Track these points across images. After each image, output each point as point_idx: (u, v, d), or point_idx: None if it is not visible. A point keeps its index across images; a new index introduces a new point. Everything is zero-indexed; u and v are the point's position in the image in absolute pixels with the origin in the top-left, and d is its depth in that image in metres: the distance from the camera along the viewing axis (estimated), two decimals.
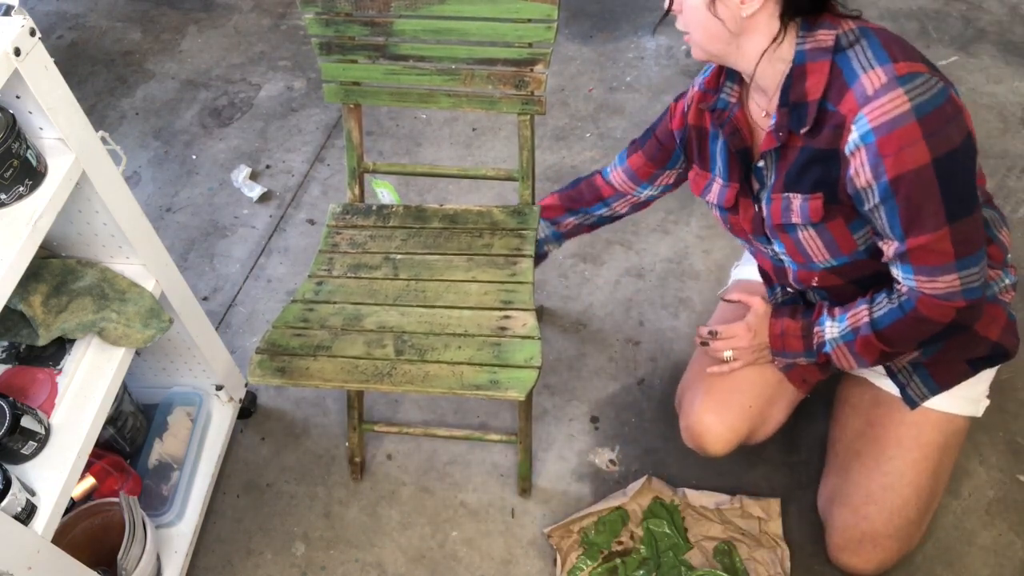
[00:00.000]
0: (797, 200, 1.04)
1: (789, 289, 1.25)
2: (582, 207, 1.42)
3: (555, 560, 1.38)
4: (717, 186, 1.19)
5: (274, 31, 2.52)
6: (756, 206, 1.13)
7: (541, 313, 1.72)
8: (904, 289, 1.01)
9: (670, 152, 1.28)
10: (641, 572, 1.34)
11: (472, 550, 1.43)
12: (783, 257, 1.15)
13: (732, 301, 1.29)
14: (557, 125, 2.15)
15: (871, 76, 0.90)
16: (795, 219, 1.06)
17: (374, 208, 1.38)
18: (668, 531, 1.38)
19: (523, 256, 1.30)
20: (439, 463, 1.54)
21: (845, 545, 1.20)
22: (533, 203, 1.38)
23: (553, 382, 1.63)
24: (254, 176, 2.11)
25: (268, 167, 2.14)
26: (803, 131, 0.98)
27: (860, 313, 1.08)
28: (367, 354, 1.16)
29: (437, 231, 1.35)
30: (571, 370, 1.65)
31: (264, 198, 2.05)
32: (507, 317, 1.20)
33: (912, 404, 1.20)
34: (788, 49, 0.97)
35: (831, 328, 1.12)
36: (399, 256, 1.31)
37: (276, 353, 1.16)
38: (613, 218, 1.45)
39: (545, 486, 1.49)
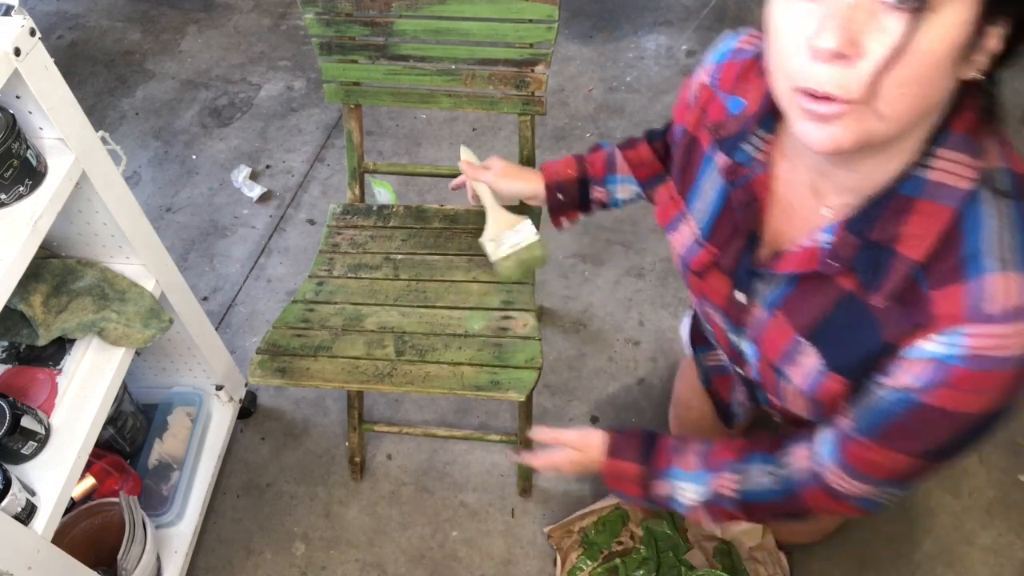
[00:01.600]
0: (811, 362, 0.77)
1: (738, 370, 0.99)
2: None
3: (555, 560, 1.38)
4: (689, 235, 0.88)
5: (274, 31, 2.52)
6: (739, 295, 0.84)
7: (541, 313, 1.72)
8: (804, 465, 0.83)
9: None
10: (641, 572, 1.34)
11: (472, 550, 1.43)
12: (751, 363, 0.90)
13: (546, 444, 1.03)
14: (557, 125, 2.15)
15: (1004, 283, 0.62)
16: (795, 378, 0.80)
17: (374, 208, 1.39)
18: (668, 531, 1.38)
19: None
20: (439, 463, 1.54)
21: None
22: (533, 209, 1.37)
23: (553, 382, 1.63)
24: (254, 176, 2.11)
25: (268, 167, 2.14)
26: (871, 292, 0.69)
27: (725, 482, 0.88)
28: (367, 354, 1.16)
29: (438, 231, 1.35)
30: (571, 370, 1.65)
31: (264, 198, 2.05)
32: (508, 317, 1.20)
33: None
34: (905, 158, 0.66)
35: (687, 489, 0.90)
36: (400, 256, 1.31)
37: (277, 353, 1.16)
38: None
39: (545, 486, 1.49)
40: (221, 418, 1.53)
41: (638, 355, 1.67)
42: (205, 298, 1.85)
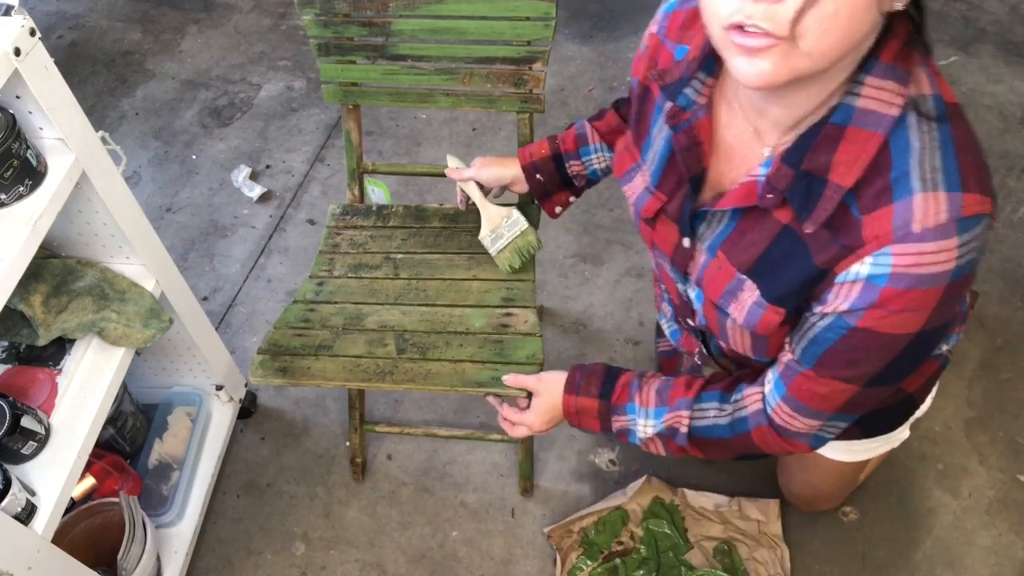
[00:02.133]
0: (749, 295, 0.80)
1: (689, 322, 1.03)
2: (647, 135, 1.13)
3: (555, 560, 1.38)
4: (640, 184, 0.91)
5: (274, 31, 2.52)
6: (685, 241, 0.86)
7: (541, 312, 1.72)
8: (755, 405, 0.86)
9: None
10: (641, 572, 1.34)
11: (472, 550, 1.43)
12: (696, 308, 0.93)
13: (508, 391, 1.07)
14: (557, 125, 2.15)
15: (929, 201, 0.64)
16: (734, 313, 0.82)
17: (374, 208, 1.39)
18: (668, 531, 1.38)
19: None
20: (439, 463, 1.54)
21: (789, 497, 1.39)
22: (532, 202, 1.37)
23: None
24: (254, 176, 2.11)
25: (268, 167, 2.14)
26: (804, 221, 0.72)
27: (680, 417, 0.91)
28: (369, 353, 1.16)
29: (437, 230, 1.35)
30: None
31: (264, 198, 2.05)
32: (508, 315, 1.20)
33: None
34: (834, 88, 0.68)
35: (644, 425, 0.94)
36: (400, 255, 1.31)
37: (278, 353, 1.16)
38: None
39: (545, 486, 1.49)
40: (221, 418, 1.53)
41: (638, 355, 1.67)
42: (205, 298, 1.85)
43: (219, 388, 1.52)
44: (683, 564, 1.34)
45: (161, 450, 1.47)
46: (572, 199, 1.21)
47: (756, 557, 1.35)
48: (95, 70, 2.48)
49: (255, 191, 2.05)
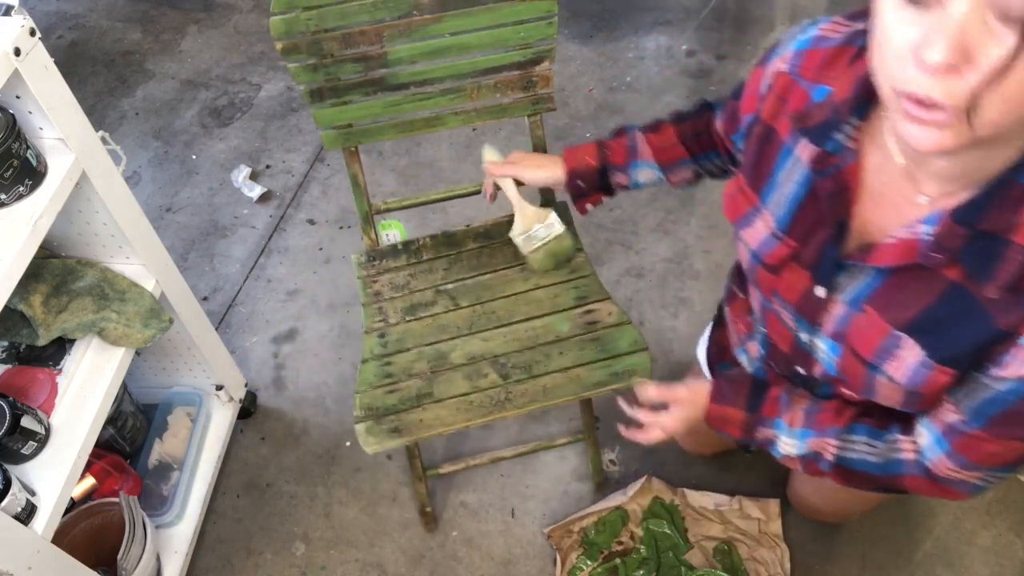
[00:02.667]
0: (910, 354, 0.74)
1: (799, 370, 0.96)
2: (704, 152, 1.09)
3: (555, 560, 1.38)
4: (763, 229, 0.85)
5: None
6: (819, 290, 0.81)
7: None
8: (907, 452, 0.84)
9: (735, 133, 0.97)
10: (641, 572, 1.34)
11: (472, 550, 1.43)
12: (823, 359, 0.87)
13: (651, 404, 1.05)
14: (557, 125, 2.15)
15: None
16: (892, 371, 0.77)
17: (399, 247, 1.34)
18: (668, 531, 1.38)
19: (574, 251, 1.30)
20: None
21: (799, 505, 1.39)
22: (554, 201, 1.37)
23: None
24: (254, 176, 2.11)
25: (268, 167, 2.14)
26: (982, 284, 0.67)
27: (827, 444, 0.90)
28: (474, 388, 1.14)
29: (476, 251, 1.32)
30: None
31: (264, 198, 2.05)
32: (589, 311, 1.21)
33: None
34: (1018, 148, 0.63)
35: (788, 443, 0.93)
36: (450, 285, 1.28)
37: (379, 416, 1.12)
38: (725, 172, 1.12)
39: (545, 486, 1.49)
40: (221, 418, 1.53)
41: None
42: (205, 298, 1.85)
43: (219, 388, 1.52)
44: (683, 564, 1.34)
45: (161, 450, 1.47)
46: (604, 199, 1.20)
47: (756, 557, 1.35)
48: (95, 70, 2.48)
49: (255, 191, 2.05)
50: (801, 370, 0.95)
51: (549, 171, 1.17)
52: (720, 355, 1.22)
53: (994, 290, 0.67)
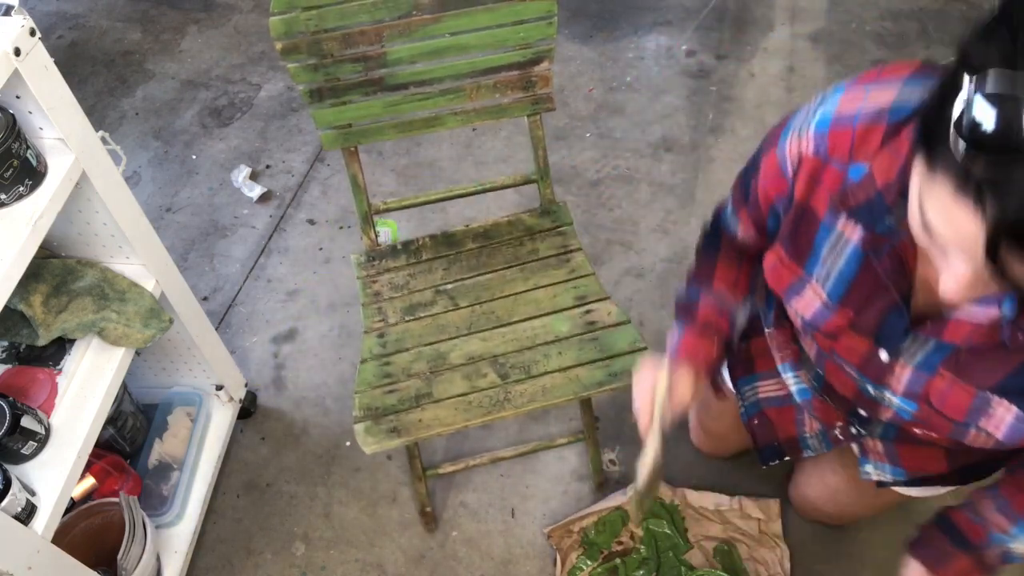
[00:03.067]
0: (1005, 411, 0.75)
1: (861, 412, 0.95)
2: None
3: (555, 560, 1.38)
4: (815, 299, 0.85)
5: None
6: (883, 354, 0.82)
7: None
8: None
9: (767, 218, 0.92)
10: (641, 572, 1.34)
11: (472, 550, 1.43)
12: (898, 410, 0.86)
13: None
14: (557, 125, 2.15)
15: None
16: (988, 427, 0.77)
17: (399, 247, 1.35)
18: (668, 531, 1.38)
19: (572, 251, 1.30)
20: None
21: (802, 507, 1.38)
22: (554, 200, 1.37)
23: None
24: (254, 176, 2.11)
25: (268, 167, 2.14)
26: None
27: None
28: (473, 388, 1.14)
29: (475, 251, 1.33)
30: None
31: (264, 198, 2.05)
32: (589, 311, 1.21)
33: (866, 476, 1.10)
34: None
35: (1019, 543, 0.90)
36: (449, 286, 1.28)
37: (378, 416, 1.12)
38: None
39: (545, 486, 1.49)
40: (221, 418, 1.53)
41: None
42: (205, 298, 1.85)
43: (219, 388, 1.52)
44: (683, 564, 1.34)
45: (161, 450, 1.47)
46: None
47: (756, 557, 1.35)
48: (95, 70, 2.48)
49: (255, 191, 2.05)
50: (864, 412, 0.94)
51: (689, 387, 0.99)
52: (747, 367, 1.18)
53: None
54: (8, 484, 0.94)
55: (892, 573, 1.36)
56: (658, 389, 0.96)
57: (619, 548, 1.37)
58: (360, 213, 1.32)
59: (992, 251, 0.53)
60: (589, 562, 1.35)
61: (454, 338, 1.21)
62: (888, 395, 0.85)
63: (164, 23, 2.63)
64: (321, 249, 1.92)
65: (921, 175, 0.57)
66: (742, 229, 0.98)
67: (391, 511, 1.48)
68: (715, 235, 1.05)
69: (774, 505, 1.39)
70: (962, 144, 0.51)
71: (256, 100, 2.33)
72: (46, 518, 1.00)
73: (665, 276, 1.80)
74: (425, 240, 1.35)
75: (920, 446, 0.98)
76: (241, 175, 2.08)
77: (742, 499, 1.40)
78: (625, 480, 1.47)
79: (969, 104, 0.50)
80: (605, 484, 1.47)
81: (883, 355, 0.82)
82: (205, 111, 2.32)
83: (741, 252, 1.03)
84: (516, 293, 1.25)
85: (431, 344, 1.21)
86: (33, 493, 1.01)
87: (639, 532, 1.39)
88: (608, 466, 1.51)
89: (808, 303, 0.86)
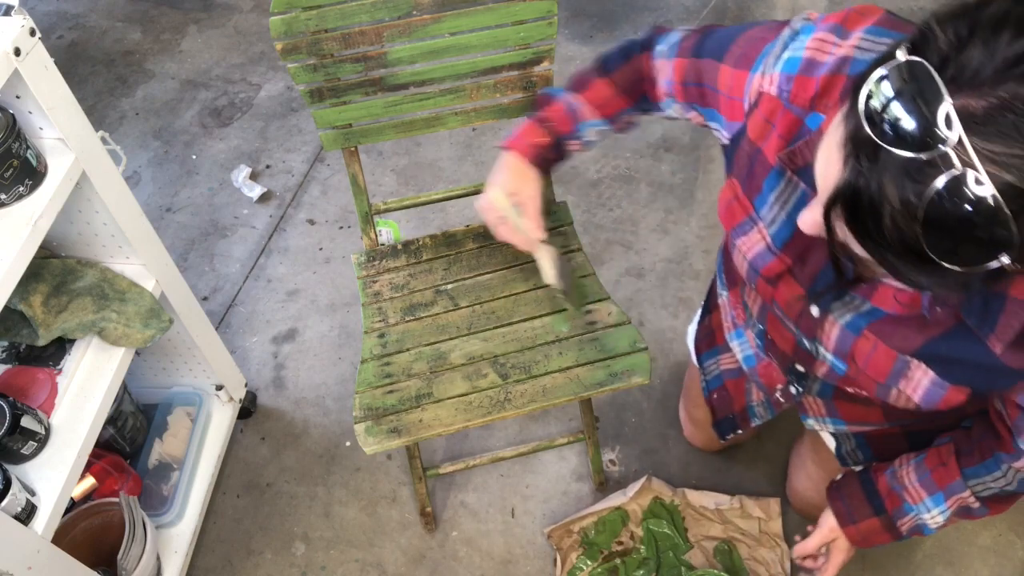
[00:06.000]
0: (922, 375, 0.77)
1: (798, 367, 0.99)
2: (641, 100, 1.06)
3: (555, 560, 1.38)
4: (759, 241, 0.87)
5: None
6: (813, 309, 0.84)
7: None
8: None
9: (702, 106, 0.94)
10: (641, 572, 1.34)
11: (472, 550, 1.43)
12: (831, 362, 0.88)
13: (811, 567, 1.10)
14: None
15: None
16: (906, 390, 0.80)
17: (399, 247, 1.35)
18: (668, 531, 1.38)
19: (573, 251, 1.30)
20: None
21: (800, 508, 1.39)
22: (554, 200, 1.37)
23: None
24: (254, 176, 2.11)
25: (268, 167, 2.14)
26: (987, 337, 0.70)
27: (962, 498, 0.92)
28: (473, 388, 1.14)
29: (475, 251, 1.32)
30: None
31: (264, 198, 2.05)
32: (589, 311, 1.21)
33: (843, 462, 1.15)
34: None
35: (931, 516, 0.95)
36: (449, 286, 1.28)
37: (379, 416, 1.12)
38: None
39: (545, 486, 1.49)
40: (221, 418, 1.53)
41: None
42: (205, 298, 1.85)
43: (219, 388, 1.52)
44: (683, 564, 1.34)
45: (161, 450, 1.47)
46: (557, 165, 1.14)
47: (756, 557, 1.35)
48: (95, 70, 2.48)
49: (255, 191, 2.05)
50: (801, 368, 0.97)
51: (529, 180, 1.07)
52: (709, 341, 1.24)
53: (998, 344, 0.69)
54: (8, 484, 0.94)
55: (892, 573, 1.36)
56: (498, 201, 1.05)
57: (619, 548, 1.37)
58: (360, 213, 1.32)
59: (829, 207, 0.57)
60: (589, 562, 1.35)
61: (455, 338, 1.21)
62: (821, 350, 0.87)
63: (164, 23, 2.63)
64: (321, 249, 1.93)
65: (835, 119, 0.59)
66: (666, 74, 0.98)
67: (391, 511, 1.48)
68: (626, 54, 1.04)
69: (774, 504, 1.39)
70: (862, 108, 0.53)
71: (256, 100, 2.33)
72: (46, 518, 1.00)
73: (665, 276, 1.80)
74: (425, 240, 1.35)
75: (856, 402, 1.00)
76: (241, 175, 2.08)
77: (742, 498, 1.40)
78: (625, 480, 1.47)
79: (879, 79, 0.52)
80: (605, 484, 1.48)
81: (814, 310, 0.84)
82: (205, 111, 2.32)
83: (636, 81, 1.03)
84: (516, 293, 1.25)
85: (431, 344, 1.21)
86: (33, 493, 1.01)
87: (639, 532, 1.39)
88: (608, 466, 1.51)
89: (753, 243, 0.87)
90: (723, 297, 1.15)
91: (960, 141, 0.48)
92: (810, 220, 0.64)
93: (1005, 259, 0.50)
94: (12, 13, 0.88)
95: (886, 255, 0.55)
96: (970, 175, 0.47)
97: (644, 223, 1.90)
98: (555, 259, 1.13)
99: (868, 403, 0.99)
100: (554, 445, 1.48)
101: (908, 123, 0.50)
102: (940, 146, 0.48)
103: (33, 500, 1.00)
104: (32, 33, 0.89)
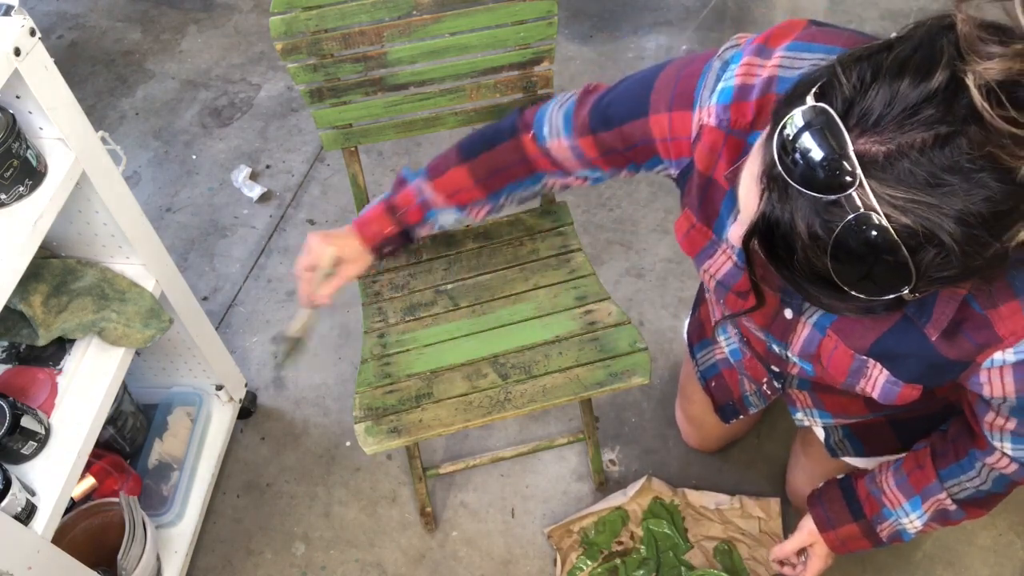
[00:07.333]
0: (878, 373, 0.81)
1: (773, 368, 1.02)
2: (509, 184, 1.04)
3: (555, 560, 1.38)
4: (725, 260, 0.88)
5: None
6: (787, 312, 0.87)
7: None
8: (1004, 467, 0.87)
9: (638, 163, 0.94)
10: (641, 572, 1.34)
11: (472, 550, 1.43)
12: (800, 364, 0.91)
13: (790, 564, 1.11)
14: None
15: None
16: (865, 387, 0.83)
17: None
18: (668, 531, 1.38)
19: (573, 251, 1.30)
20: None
21: (800, 506, 1.31)
22: (554, 200, 1.37)
23: None
24: (254, 176, 2.11)
25: (268, 167, 2.14)
26: (924, 326, 0.73)
27: (939, 500, 0.93)
28: (473, 388, 1.14)
29: (475, 251, 1.32)
30: None
31: (264, 198, 2.05)
32: (589, 311, 1.21)
33: (832, 454, 1.16)
34: None
35: (910, 521, 0.96)
36: (449, 286, 1.28)
37: (379, 416, 1.13)
38: (540, 194, 1.10)
39: (545, 486, 1.49)
40: (221, 418, 1.53)
41: None
42: (205, 298, 1.85)
43: (219, 388, 1.52)
44: (683, 564, 1.34)
45: (161, 450, 1.47)
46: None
47: (756, 557, 1.35)
48: (95, 70, 2.48)
49: (255, 191, 2.05)
50: (776, 368, 1.00)
51: (360, 263, 1.07)
52: (699, 333, 1.26)
53: (934, 331, 0.72)
54: (8, 484, 0.94)
55: (892, 573, 1.36)
56: (323, 258, 1.04)
57: (619, 548, 1.37)
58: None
59: (748, 237, 0.60)
60: (589, 562, 1.35)
61: (455, 338, 1.21)
62: (789, 354, 0.90)
63: (164, 23, 2.63)
64: None
65: (756, 146, 0.61)
66: (565, 144, 0.96)
67: (391, 511, 1.48)
68: (491, 141, 1.02)
69: (774, 504, 1.39)
70: (775, 147, 0.55)
71: (256, 100, 2.33)
72: (46, 518, 1.00)
73: (665, 276, 1.80)
74: (425, 240, 1.35)
75: (838, 393, 1.01)
76: (241, 175, 2.08)
77: (743, 498, 1.40)
78: (625, 480, 1.47)
79: (794, 115, 0.54)
80: (605, 484, 1.47)
81: (788, 312, 0.86)
82: (205, 111, 2.32)
83: (515, 163, 1.01)
84: (516, 293, 1.25)
85: (431, 345, 1.21)
86: (33, 493, 1.01)
87: (639, 532, 1.39)
88: (608, 466, 1.51)
89: (720, 264, 0.89)
90: (708, 292, 1.16)
91: (861, 184, 0.51)
92: (736, 234, 0.66)
93: (905, 291, 0.54)
94: (12, 13, 0.88)
95: (800, 282, 0.59)
96: (873, 216, 0.51)
97: (644, 223, 1.90)
98: (309, 322, 1.14)
99: (849, 393, 1.00)
100: (554, 445, 1.48)
101: (814, 166, 0.52)
102: (844, 188, 0.51)
103: (33, 500, 1.00)
104: (32, 33, 0.89)
